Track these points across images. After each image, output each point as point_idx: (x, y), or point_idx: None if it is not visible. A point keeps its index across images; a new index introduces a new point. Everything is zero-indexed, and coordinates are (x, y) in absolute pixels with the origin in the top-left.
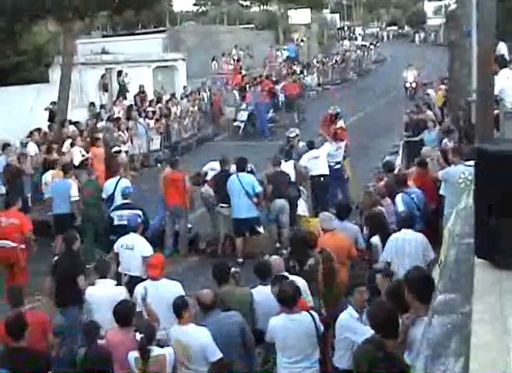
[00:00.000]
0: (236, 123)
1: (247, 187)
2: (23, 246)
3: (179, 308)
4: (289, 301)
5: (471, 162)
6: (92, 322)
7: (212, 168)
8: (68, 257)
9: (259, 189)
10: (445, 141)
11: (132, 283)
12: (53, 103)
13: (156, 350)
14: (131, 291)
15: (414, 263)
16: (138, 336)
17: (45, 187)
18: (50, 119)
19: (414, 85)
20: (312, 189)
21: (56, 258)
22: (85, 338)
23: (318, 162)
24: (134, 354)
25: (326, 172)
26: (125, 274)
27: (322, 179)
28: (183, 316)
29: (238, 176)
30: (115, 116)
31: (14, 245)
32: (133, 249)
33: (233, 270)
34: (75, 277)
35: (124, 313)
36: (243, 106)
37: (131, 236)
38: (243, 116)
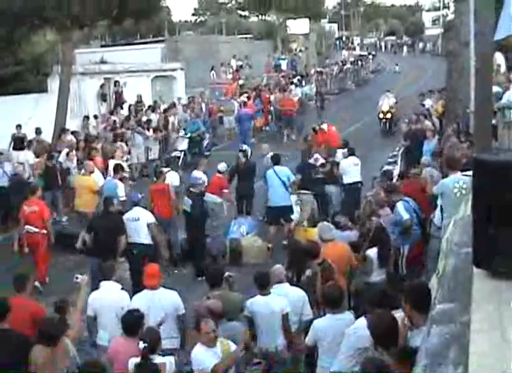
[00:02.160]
0: (174, 153)
1: (283, 178)
2: (45, 231)
3: None
4: (334, 302)
5: (469, 172)
6: (62, 301)
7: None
8: (106, 217)
9: (293, 177)
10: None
11: (144, 251)
12: (18, 127)
13: (157, 359)
14: (143, 259)
15: None
16: (142, 344)
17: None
18: (16, 146)
19: (389, 115)
20: (345, 195)
21: (93, 218)
22: (56, 313)
23: (358, 168)
24: (135, 361)
25: (360, 178)
26: (134, 244)
27: (359, 185)
28: None
29: (274, 170)
30: (113, 127)
31: (37, 230)
32: (139, 220)
33: (226, 274)
34: (115, 235)
35: (131, 323)
36: (181, 133)
37: (135, 210)
38: (183, 144)
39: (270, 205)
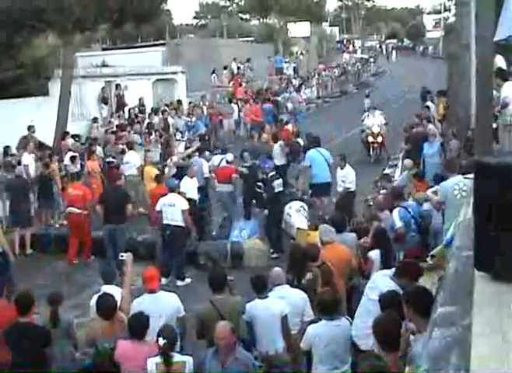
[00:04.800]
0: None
1: (328, 158)
2: (86, 212)
3: None
4: (328, 309)
5: (471, 175)
6: (57, 292)
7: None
8: (113, 189)
9: (331, 160)
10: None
11: (176, 232)
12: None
13: (176, 357)
14: (176, 239)
15: None
16: (161, 341)
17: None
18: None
19: (380, 139)
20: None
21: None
22: (49, 305)
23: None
24: (155, 360)
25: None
26: (169, 225)
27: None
28: None
29: (318, 150)
30: (114, 130)
31: (79, 211)
32: (174, 206)
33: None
34: (123, 204)
35: (138, 326)
36: (178, 135)
37: (171, 195)
38: (179, 147)
39: (316, 182)
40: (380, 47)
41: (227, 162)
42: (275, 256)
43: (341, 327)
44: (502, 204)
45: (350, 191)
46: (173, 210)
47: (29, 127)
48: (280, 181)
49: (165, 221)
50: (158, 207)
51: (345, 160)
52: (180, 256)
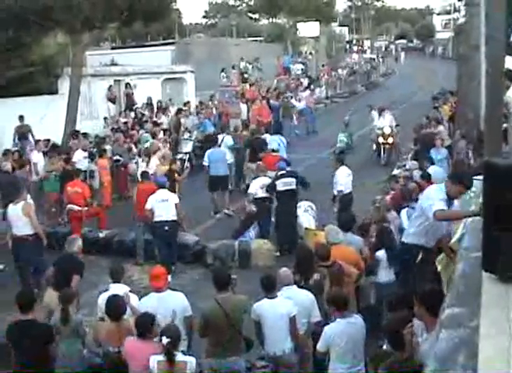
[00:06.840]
0: (179, 156)
1: (285, 144)
2: (86, 208)
3: None
4: (343, 304)
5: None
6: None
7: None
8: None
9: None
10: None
11: (174, 227)
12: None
13: (178, 356)
14: (174, 234)
15: None
16: (165, 339)
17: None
18: None
19: (391, 140)
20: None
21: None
22: (61, 303)
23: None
24: (157, 358)
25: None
26: (166, 221)
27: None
28: None
29: (279, 137)
30: (122, 128)
31: (79, 208)
32: (168, 201)
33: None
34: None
35: (145, 326)
36: (186, 135)
37: (163, 191)
38: (187, 146)
39: None
40: (389, 47)
41: (273, 150)
42: (278, 254)
43: (356, 324)
44: (509, 205)
45: (345, 194)
46: (167, 205)
47: (20, 117)
48: (288, 180)
49: (160, 218)
50: (149, 205)
51: (342, 162)
52: (175, 248)
